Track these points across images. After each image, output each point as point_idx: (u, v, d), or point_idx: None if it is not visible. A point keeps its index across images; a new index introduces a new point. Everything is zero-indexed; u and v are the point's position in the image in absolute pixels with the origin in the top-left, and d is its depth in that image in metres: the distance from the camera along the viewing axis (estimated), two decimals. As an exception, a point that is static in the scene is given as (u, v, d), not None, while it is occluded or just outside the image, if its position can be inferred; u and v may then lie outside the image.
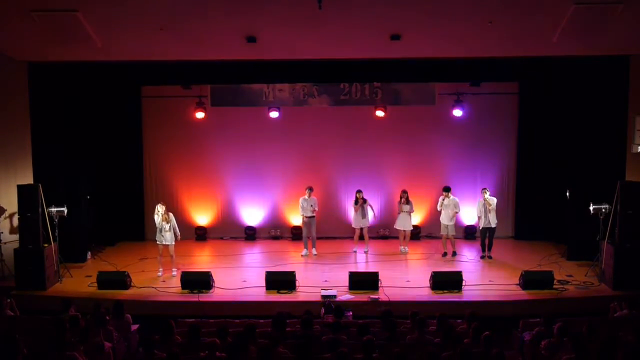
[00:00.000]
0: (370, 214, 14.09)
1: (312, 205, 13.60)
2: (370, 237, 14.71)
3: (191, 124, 15.01)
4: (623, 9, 9.50)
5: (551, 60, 12.35)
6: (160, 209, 12.06)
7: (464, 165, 15.20)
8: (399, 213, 13.89)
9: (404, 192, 13.84)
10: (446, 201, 13.45)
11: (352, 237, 14.45)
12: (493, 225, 13.14)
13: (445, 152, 15.23)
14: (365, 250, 14.04)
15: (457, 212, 13.64)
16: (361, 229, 13.95)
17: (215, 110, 14.95)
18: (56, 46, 10.65)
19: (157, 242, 12.14)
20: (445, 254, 13.58)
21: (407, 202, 13.78)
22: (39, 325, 8.70)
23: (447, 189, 13.51)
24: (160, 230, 12.04)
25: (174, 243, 12.16)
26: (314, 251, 13.74)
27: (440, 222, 13.69)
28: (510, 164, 15.26)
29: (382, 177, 15.38)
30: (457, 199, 13.59)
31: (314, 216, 13.66)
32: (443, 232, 13.65)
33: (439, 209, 13.61)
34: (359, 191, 13.86)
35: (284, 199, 15.49)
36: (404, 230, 13.89)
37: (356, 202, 13.85)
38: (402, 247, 14.04)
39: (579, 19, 9.78)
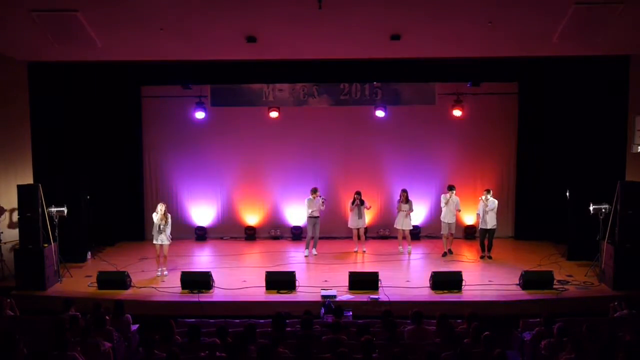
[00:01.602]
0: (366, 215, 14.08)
1: (321, 205, 13.53)
2: (370, 237, 14.76)
3: (191, 124, 15.01)
4: (623, 9, 9.50)
5: (551, 60, 12.35)
6: (160, 208, 12.06)
7: (464, 165, 15.21)
8: (398, 212, 13.90)
9: (404, 191, 13.85)
10: (450, 199, 13.50)
11: (351, 237, 14.42)
12: (490, 227, 13.14)
13: (445, 152, 15.23)
14: (363, 250, 14.04)
15: (459, 211, 13.68)
16: (358, 229, 13.96)
17: (215, 110, 14.95)
18: (56, 46, 10.65)
19: (154, 242, 12.14)
20: (445, 254, 13.59)
21: (407, 201, 13.78)
22: (39, 325, 8.70)
23: (451, 188, 13.53)
24: (157, 230, 12.04)
25: (168, 243, 12.12)
26: (314, 251, 13.71)
27: (441, 221, 13.72)
28: (510, 164, 15.26)
29: (382, 177, 15.38)
30: (457, 198, 13.62)
31: (319, 216, 13.62)
32: (444, 231, 13.66)
33: (442, 205, 13.61)
34: (357, 192, 13.86)
35: (284, 199, 15.49)
36: (403, 230, 13.91)
37: (353, 203, 13.85)
38: (400, 247, 14.04)
39: (579, 19, 9.78)
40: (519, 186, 15.15)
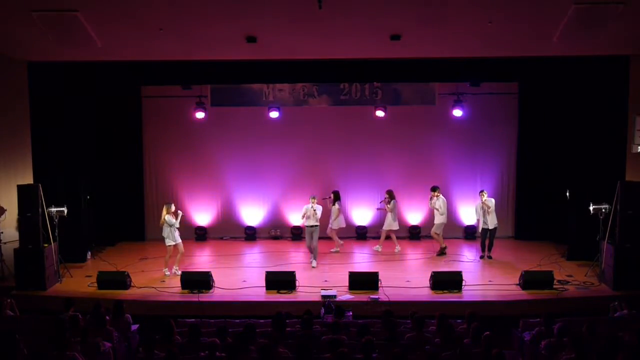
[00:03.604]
0: (341, 217, 13.99)
1: (316, 212, 12.80)
2: (370, 237, 14.78)
3: (191, 124, 15.01)
4: (623, 9, 9.50)
5: (551, 60, 12.35)
6: (173, 208, 12.11)
7: (463, 165, 15.21)
8: (386, 213, 13.93)
9: (387, 192, 13.87)
10: (439, 200, 13.48)
11: (351, 237, 14.43)
12: (492, 227, 13.13)
13: (445, 152, 15.23)
14: (334, 250, 14.02)
15: (441, 212, 13.63)
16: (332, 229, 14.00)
17: (215, 110, 14.95)
18: (56, 46, 10.64)
19: (170, 243, 12.11)
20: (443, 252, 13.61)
21: (390, 200, 13.78)
22: (39, 325, 8.71)
23: (434, 189, 13.55)
24: (174, 229, 12.08)
25: (180, 241, 12.29)
26: (314, 263, 12.92)
27: (434, 222, 13.73)
28: (510, 163, 15.26)
29: (382, 177, 15.34)
30: (444, 198, 13.62)
31: (317, 225, 12.91)
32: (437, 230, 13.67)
33: (433, 207, 13.62)
34: (333, 192, 13.85)
35: (284, 199, 15.49)
36: (386, 231, 13.91)
37: (328, 202, 13.85)
38: (397, 247, 14.02)
39: (579, 19, 9.78)
40: (519, 186, 15.14)
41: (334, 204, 13.82)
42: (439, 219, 13.63)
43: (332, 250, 14.05)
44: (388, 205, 13.80)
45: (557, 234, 14.15)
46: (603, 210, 11.63)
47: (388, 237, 14.16)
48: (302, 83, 14.39)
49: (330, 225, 14.00)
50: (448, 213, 14.01)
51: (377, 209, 14.25)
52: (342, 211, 14.10)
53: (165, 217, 12.08)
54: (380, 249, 14.01)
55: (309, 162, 15.31)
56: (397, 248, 14.01)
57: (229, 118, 15.19)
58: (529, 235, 14.88)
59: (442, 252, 13.66)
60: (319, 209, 12.86)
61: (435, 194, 13.56)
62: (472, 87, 14.38)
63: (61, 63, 12.38)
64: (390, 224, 13.89)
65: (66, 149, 13.21)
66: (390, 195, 13.86)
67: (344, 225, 14.17)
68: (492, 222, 13.10)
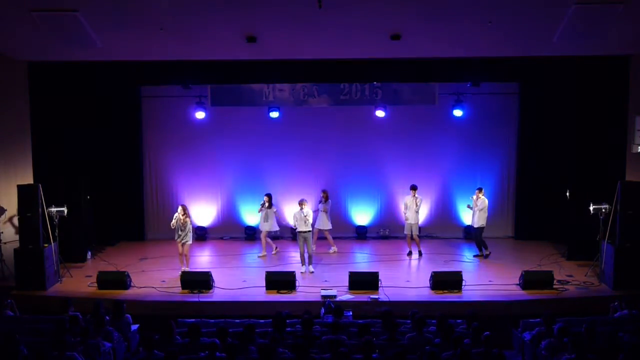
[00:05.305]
0: (274, 220, 13.77)
1: (306, 217, 12.32)
2: (370, 237, 14.71)
3: (191, 124, 14.99)
4: (623, 9, 9.51)
5: (551, 60, 12.35)
6: (178, 210, 12.25)
7: (464, 165, 15.19)
8: (319, 212, 13.82)
9: (323, 191, 13.92)
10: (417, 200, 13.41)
11: (351, 237, 14.40)
12: (476, 226, 13.10)
13: (446, 152, 15.21)
14: (261, 254, 13.76)
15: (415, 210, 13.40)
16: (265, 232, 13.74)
17: (215, 110, 14.96)
18: (56, 46, 10.66)
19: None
20: (410, 253, 13.53)
21: (326, 201, 13.79)
22: (39, 325, 8.71)
23: (414, 187, 13.38)
24: (177, 230, 12.20)
25: (187, 243, 12.29)
26: (310, 268, 12.45)
27: (405, 222, 13.51)
28: (510, 163, 15.23)
29: (382, 177, 15.35)
30: (420, 197, 13.49)
31: (310, 230, 12.51)
32: (407, 231, 13.46)
33: (414, 208, 13.32)
34: (266, 194, 13.67)
35: (284, 199, 15.44)
36: (320, 230, 13.85)
37: (262, 205, 13.66)
38: (314, 246, 13.39)
39: (579, 19, 9.79)
40: (519, 186, 15.12)
41: (269, 207, 13.61)
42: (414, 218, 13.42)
43: (258, 255, 13.83)
44: (324, 205, 13.77)
45: (557, 234, 14.14)
46: (603, 210, 11.63)
47: (324, 238, 14.10)
48: (302, 83, 14.39)
49: (261, 229, 13.83)
50: (447, 213, 13.93)
51: (315, 210, 14.02)
52: (277, 214, 13.97)
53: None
54: (331, 250, 13.91)
55: (309, 162, 15.29)
56: (313, 247, 13.43)
57: (229, 118, 15.18)
58: (528, 235, 14.86)
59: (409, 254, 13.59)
60: (310, 214, 12.44)
61: (413, 192, 13.36)
62: (472, 87, 14.36)
63: (61, 63, 12.38)
64: (324, 223, 13.83)
65: (66, 149, 13.21)
66: (326, 196, 13.88)
67: (276, 229, 13.92)
68: (477, 221, 13.04)
